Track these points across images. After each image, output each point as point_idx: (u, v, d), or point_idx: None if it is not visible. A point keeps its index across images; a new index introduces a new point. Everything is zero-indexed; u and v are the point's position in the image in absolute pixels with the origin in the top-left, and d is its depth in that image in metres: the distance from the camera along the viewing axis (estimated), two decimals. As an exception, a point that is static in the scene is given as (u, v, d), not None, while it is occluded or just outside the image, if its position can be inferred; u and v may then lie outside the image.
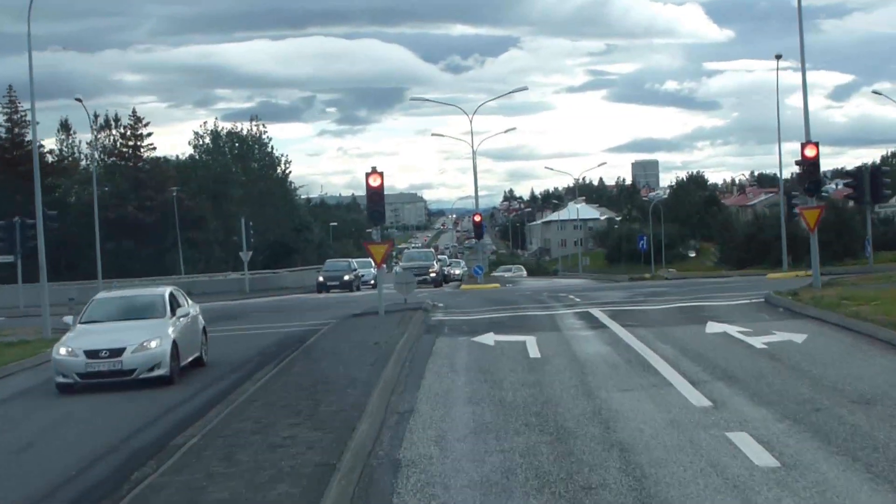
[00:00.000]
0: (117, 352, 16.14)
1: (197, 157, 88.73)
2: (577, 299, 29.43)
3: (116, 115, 79.84)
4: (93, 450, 11.83)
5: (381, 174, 25.24)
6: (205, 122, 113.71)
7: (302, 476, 8.56)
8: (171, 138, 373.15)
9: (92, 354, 16.14)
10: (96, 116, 77.99)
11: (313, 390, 13.25)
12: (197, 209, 75.56)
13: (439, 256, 71.70)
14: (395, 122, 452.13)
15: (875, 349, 15.28)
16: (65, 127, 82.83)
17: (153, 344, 16.30)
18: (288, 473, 8.68)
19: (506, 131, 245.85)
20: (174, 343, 16.61)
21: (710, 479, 8.18)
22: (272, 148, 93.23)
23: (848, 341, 16.39)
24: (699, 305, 24.77)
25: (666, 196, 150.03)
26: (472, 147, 61.81)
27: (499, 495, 8.16)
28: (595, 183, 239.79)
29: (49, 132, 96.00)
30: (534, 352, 16.81)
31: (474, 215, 62.15)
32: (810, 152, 25.65)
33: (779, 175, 58.71)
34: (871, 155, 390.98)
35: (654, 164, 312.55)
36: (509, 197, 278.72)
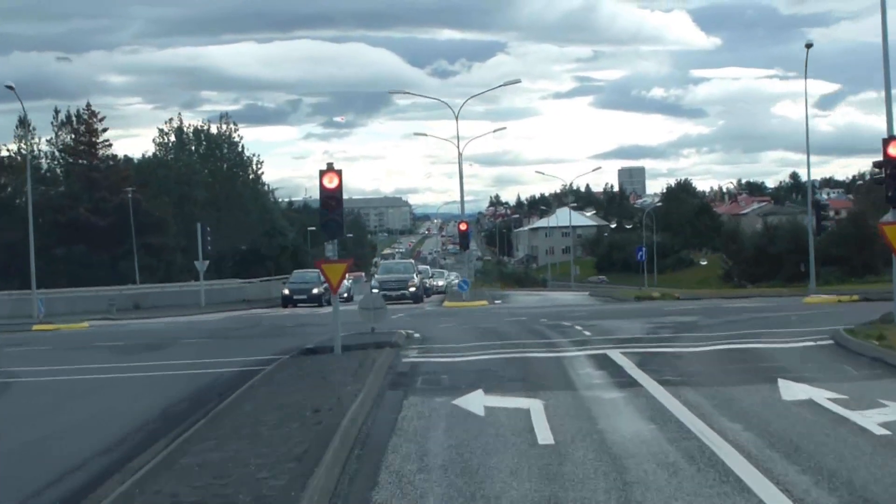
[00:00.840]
0: None
1: (159, 155, 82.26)
2: (587, 332, 23.74)
3: (79, 111, 74.09)
4: None
5: (339, 173, 19.38)
6: (170, 119, 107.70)
7: None
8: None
9: None
10: (56, 112, 73.99)
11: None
12: (157, 212, 69.38)
13: (420, 268, 65.45)
14: (382, 126, 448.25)
15: None
16: (23, 124, 77.30)
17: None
18: None
19: (495, 131, 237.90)
20: None
21: None
22: (243, 147, 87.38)
23: None
24: (750, 349, 18.94)
25: (658, 203, 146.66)
26: (458, 148, 56.58)
27: None
28: (582, 189, 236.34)
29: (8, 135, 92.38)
30: (543, 433, 11.29)
31: (460, 223, 57.03)
32: (895, 150, 19.07)
33: (808, 187, 54.62)
34: (858, 164, 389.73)
35: (640, 171, 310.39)
36: (496, 202, 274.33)
